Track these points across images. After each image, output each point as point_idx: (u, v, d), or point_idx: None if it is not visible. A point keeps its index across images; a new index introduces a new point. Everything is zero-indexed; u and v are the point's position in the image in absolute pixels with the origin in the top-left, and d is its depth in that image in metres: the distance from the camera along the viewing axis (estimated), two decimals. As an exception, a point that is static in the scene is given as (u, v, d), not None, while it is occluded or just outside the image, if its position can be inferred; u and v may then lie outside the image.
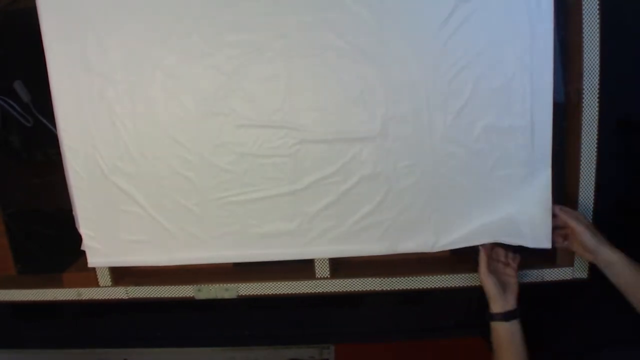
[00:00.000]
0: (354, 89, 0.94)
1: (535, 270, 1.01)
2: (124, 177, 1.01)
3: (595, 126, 0.95)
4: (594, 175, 0.97)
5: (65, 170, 1.01)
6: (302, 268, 1.05)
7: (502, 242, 0.97)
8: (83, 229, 1.04)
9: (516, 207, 0.96)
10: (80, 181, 1.02)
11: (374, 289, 1.04)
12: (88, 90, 0.98)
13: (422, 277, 1.02)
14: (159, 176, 1.00)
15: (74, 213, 1.04)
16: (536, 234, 0.96)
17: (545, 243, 0.95)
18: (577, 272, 1.01)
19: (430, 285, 1.03)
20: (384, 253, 1.01)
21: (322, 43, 0.93)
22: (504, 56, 0.91)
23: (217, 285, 1.06)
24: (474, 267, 0.97)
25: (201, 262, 1.04)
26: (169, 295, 1.08)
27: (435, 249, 0.99)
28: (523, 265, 0.99)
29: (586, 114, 0.94)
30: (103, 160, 1.00)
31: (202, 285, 1.06)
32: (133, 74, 0.96)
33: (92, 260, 1.06)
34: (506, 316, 0.92)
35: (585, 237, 0.89)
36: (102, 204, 1.02)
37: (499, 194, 0.96)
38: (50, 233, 1.12)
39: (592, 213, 0.98)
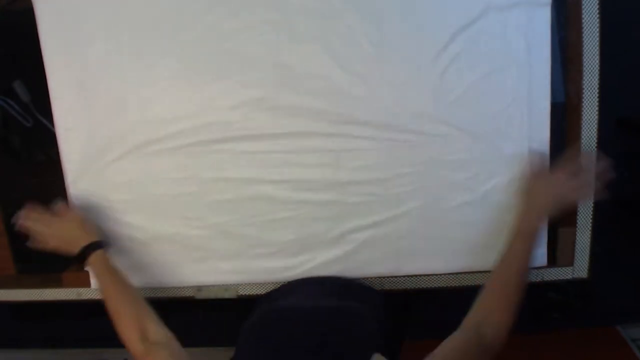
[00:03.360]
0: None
1: (535, 270, 1.01)
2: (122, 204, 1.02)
3: (595, 126, 0.95)
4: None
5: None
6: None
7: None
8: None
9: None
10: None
11: (375, 289, 1.04)
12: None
13: (424, 277, 1.02)
14: (158, 200, 1.01)
15: None
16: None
17: (540, 260, 0.99)
18: (577, 271, 1.01)
19: (433, 285, 1.03)
20: (385, 275, 1.02)
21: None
22: (502, 84, 0.92)
23: (217, 285, 1.06)
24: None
25: (205, 283, 1.06)
26: (169, 295, 1.08)
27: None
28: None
29: (586, 114, 0.94)
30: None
31: (202, 285, 1.06)
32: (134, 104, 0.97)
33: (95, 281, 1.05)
34: (94, 247, 0.93)
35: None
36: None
37: (494, 220, 0.97)
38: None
39: (592, 213, 0.98)
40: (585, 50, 0.92)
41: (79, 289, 1.09)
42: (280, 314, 0.84)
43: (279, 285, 1.02)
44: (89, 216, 0.99)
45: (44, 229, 0.96)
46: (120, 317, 0.87)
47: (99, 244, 0.94)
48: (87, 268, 0.94)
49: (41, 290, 1.11)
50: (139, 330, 0.84)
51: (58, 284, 1.10)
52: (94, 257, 0.92)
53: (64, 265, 1.09)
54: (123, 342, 0.86)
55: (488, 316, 0.80)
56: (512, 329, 0.80)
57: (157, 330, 0.85)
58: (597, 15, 0.90)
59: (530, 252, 0.86)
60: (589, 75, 0.93)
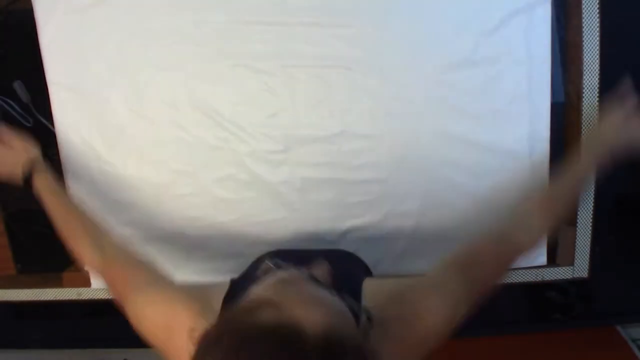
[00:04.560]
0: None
1: (535, 270, 1.01)
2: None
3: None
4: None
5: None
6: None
7: None
8: None
9: None
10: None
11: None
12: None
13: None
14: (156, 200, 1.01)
15: None
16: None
17: (540, 260, 0.99)
18: (577, 271, 1.01)
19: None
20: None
21: None
22: (502, 84, 0.92)
23: (217, 285, 1.06)
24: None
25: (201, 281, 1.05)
26: (169, 295, 1.08)
27: None
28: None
29: (586, 114, 0.94)
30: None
31: (202, 285, 1.06)
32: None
33: (96, 281, 1.06)
34: (33, 165, 0.88)
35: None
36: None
37: (493, 220, 0.97)
38: (50, 233, 1.11)
39: (592, 212, 0.98)
40: (585, 50, 0.92)
41: (79, 289, 1.09)
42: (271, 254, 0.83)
43: None
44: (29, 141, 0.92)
45: None
46: (71, 232, 0.84)
47: (37, 162, 0.89)
48: (35, 192, 0.88)
49: (41, 290, 1.11)
50: (93, 239, 0.81)
51: (58, 283, 1.10)
52: (38, 179, 0.88)
53: (64, 265, 1.09)
54: (79, 258, 0.82)
55: (527, 220, 0.75)
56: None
57: (111, 238, 0.82)
58: (597, 15, 0.90)
59: (591, 172, 0.81)
60: (589, 75, 0.93)
